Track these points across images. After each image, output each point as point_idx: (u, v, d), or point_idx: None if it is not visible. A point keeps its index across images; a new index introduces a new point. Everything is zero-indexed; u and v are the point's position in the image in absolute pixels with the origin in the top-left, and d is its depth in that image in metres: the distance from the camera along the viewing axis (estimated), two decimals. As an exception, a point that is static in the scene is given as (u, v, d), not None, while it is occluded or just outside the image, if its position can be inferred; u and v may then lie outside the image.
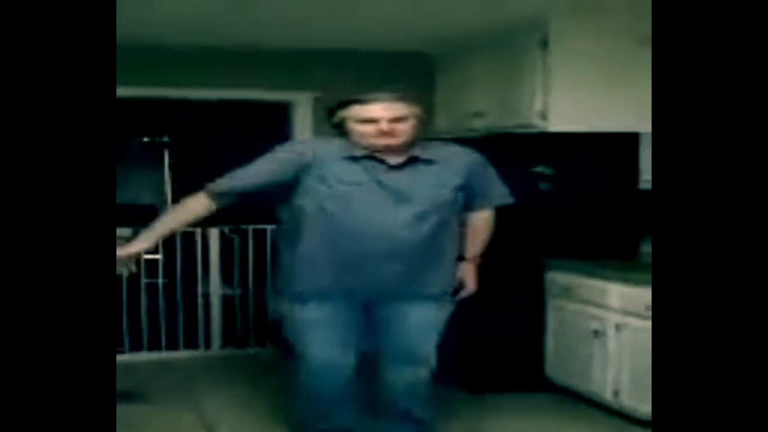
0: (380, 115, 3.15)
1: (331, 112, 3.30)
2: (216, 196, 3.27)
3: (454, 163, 3.30)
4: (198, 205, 3.28)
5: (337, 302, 3.24)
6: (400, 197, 3.16)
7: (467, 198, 3.35)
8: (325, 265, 3.21)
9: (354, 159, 3.20)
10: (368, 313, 3.32)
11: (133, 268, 3.31)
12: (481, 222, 3.46)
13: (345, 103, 3.24)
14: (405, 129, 3.18)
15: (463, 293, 3.46)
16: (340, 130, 3.28)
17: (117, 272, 3.17)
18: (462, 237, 3.42)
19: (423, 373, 3.41)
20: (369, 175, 3.18)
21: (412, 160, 3.23)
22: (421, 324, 3.34)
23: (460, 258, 3.44)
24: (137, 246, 3.21)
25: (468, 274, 3.47)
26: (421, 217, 3.17)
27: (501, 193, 3.46)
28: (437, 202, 3.21)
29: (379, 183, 3.17)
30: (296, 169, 3.22)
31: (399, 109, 3.18)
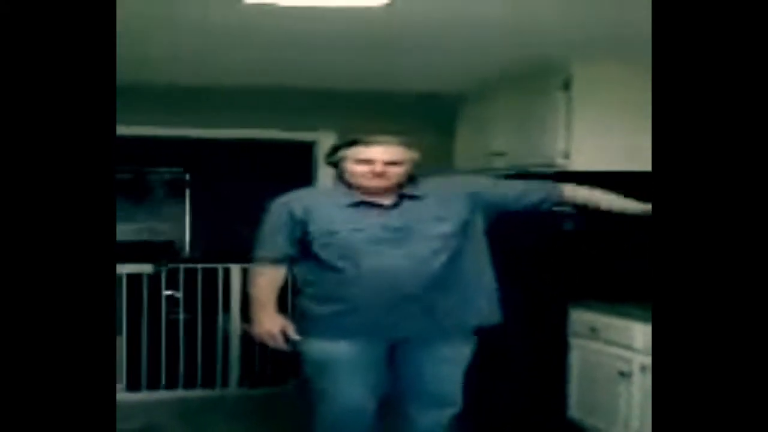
0: (377, 157, 3.19)
1: (334, 150, 3.34)
2: (280, 263, 3.29)
3: (450, 192, 3.32)
4: (277, 281, 3.31)
5: (357, 345, 3.21)
6: (403, 236, 3.16)
7: (518, 199, 3.43)
8: (342, 311, 3.19)
9: (349, 205, 3.22)
10: (390, 354, 3.29)
11: (293, 337, 3.29)
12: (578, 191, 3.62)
13: (348, 143, 3.28)
14: (397, 172, 3.22)
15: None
16: (335, 168, 3.34)
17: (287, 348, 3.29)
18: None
19: (447, 416, 3.38)
20: (367, 219, 3.19)
21: (402, 198, 3.25)
22: (445, 363, 3.31)
23: None
24: (268, 322, 3.26)
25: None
26: (429, 252, 3.16)
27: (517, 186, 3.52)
28: (443, 235, 3.20)
29: (379, 225, 3.18)
30: (298, 226, 3.24)
31: (396, 153, 3.23)
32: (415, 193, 3.27)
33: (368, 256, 3.13)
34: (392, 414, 3.41)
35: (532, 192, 3.46)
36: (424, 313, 3.17)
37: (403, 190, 3.27)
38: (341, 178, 3.31)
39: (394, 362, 3.30)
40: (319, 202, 3.28)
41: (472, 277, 3.28)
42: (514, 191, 3.44)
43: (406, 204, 3.24)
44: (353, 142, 3.26)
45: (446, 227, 3.21)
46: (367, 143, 3.23)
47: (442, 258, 3.17)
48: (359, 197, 3.22)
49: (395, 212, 3.21)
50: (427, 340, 3.25)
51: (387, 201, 3.23)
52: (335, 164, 3.33)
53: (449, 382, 3.34)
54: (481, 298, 3.32)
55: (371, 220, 3.18)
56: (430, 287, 3.15)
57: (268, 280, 3.28)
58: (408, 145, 3.28)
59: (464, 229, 3.26)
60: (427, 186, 3.33)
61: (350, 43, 4.33)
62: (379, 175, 3.18)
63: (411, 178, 3.31)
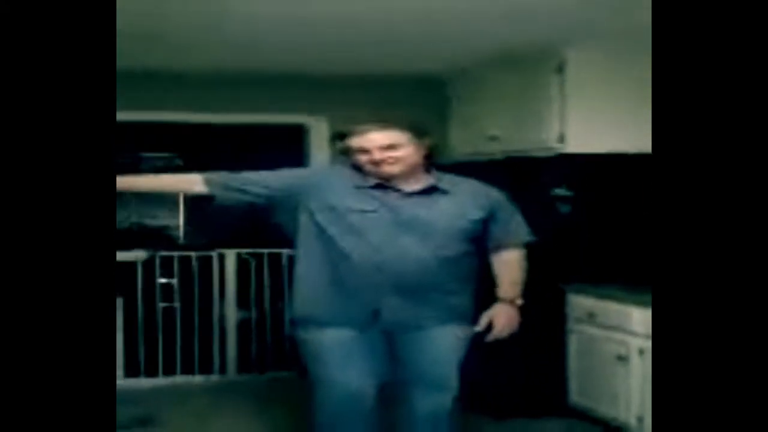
0: (371, 145, 3.14)
1: (332, 142, 3.32)
2: (209, 183, 3.29)
3: (476, 196, 3.27)
4: (190, 181, 3.38)
5: (354, 329, 3.20)
6: (416, 224, 3.14)
7: (488, 234, 3.31)
8: (341, 292, 3.18)
9: (365, 188, 3.19)
10: (388, 340, 3.29)
11: None
12: (511, 261, 3.36)
13: (341, 135, 3.26)
14: (400, 156, 3.14)
15: (494, 334, 3.31)
16: (349, 157, 3.28)
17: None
18: (495, 277, 3.36)
19: (447, 400, 3.35)
20: (381, 202, 3.16)
21: (430, 189, 3.21)
22: (443, 349, 3.29)
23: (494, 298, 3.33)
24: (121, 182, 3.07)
25: (500, 315, 3.30)
26: (438, 244, 3.14)
27: (522, 232, 3.39)
28: (455, 231, 3.18)
29: (393, 210, 3.14)
30: (299, 189, 3.21)
31: (389, 136, 3.15)
32: (444, 186, 3.23)
33: (374, 239, 3.11)
34: (395, 400, 3.41)
35: (509, 230, 3.36)
36: (421, 301, 3.17)
37: (432, 181, 3.22)
38: (359, 167, 3.26)
39: (394, 348, 3.30)
40: (336, 180, 3.23)
41: (467, 274, 3.28)
42: (502, 227, 3.33)
43: (433, 194, 3.20)
44: (345, 135, 3.23)
45: (463, 224, 3.19)
46: (357, 132, 3.19)
47: (451, 249, 3.16)
48: (374, 181, 3.18)
49: (418, 200, 3.18)
50: (423, 326, 3.23)
51: (408, 187, 3.19)
52: (347, 153, 3.28)
53: (446, 366, 3.32)
54: (469, 294, 3.31)
55: (386, 204, 3.15)
56: (432, 275, 3.14)
57: (183, 179, 3.48)
58: (398, 125, 3.18)
59: (474, 230, 3.25)
60: (457, 183, 3.28)
61: (343, 28, 4.31)
62: (380, 161, 3.15)
63: (441, 173, 3.27)
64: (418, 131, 3.21)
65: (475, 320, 3.32)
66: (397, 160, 3.14)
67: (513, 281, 3.35)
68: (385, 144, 3.14)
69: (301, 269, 3.28)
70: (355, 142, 3.18)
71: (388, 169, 3.15)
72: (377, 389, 3.27)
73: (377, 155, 3.13)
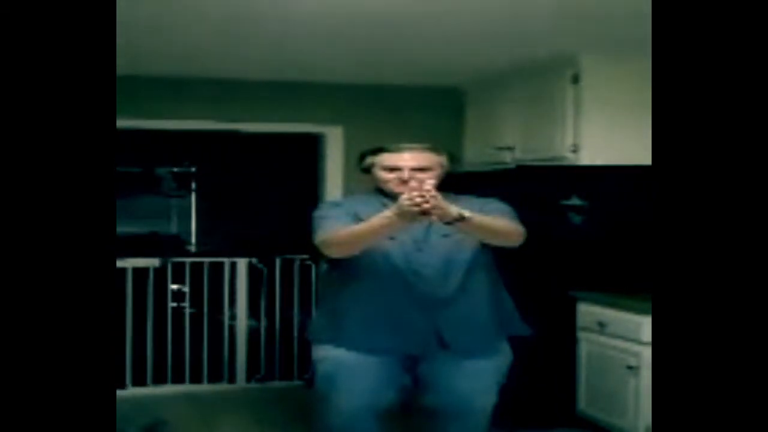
0: (404, 164, 3.17)
1: (362, 157, 3.33)
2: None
3: (484, 211, 3.22)
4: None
5: (378, 354, 3.16)
6: (435, 247, 3.13)
7: None
8: (368, 318, 3.16)
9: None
10: (415, 366, 3.23)
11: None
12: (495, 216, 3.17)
13: (375, 151, 3.27)
14: (426, 178, 3.10)
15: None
16: (368, 174, 3.31)
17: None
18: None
19: (475, 427, 3.33)
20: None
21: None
22: (474, 375, 3.24)
23: None
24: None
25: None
26: (454, 267, 3.14)
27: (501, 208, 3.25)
28: (469, 251, 3.17)
29: (412, 234, 3.12)
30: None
31: (424, 159, 3.19)
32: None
33: (399, 264, 3.10)
34: (419, 422, 3.39)
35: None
36: (449, 325, 3.14)
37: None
38: (377, 186, 3.28)
39: (421, 375, 3.24)
40: (359, 209, 3.21)
41: (492, 293, 3.26)
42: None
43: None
44: (380, 150, 3.25)
45: (475, 243, 3.18)
46: (393, 150, 3.22)
47: (471, 271, 3.16)
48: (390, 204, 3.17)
49: (426, 222, 3.11)
50: (452, 352, 3.18)
51: None
52: (368, 170, 3.31)
53: (479, 393, 3.28)
54: (503, 313, 3.31)
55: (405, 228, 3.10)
56: (457, 299, 3.13)
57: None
58: (436, 151, 3.24)
59: (488, 248, 3.23)
60: (463, 201, 3.20)
61: (359, 37, 4.33)
62: (407, 181, 3.14)
63: (449, 194, 3.25)
64: (447, 155, 3.28)
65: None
66: (422, 182, 3.14)
67: (484, 217, 3.07)
68: (418, 166, 3.16)
69: (328, 291, 3.29)
70: (389, 159, 3.20)
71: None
72: (383, 411, 3.24)
73: (406, 175, 3.15)
